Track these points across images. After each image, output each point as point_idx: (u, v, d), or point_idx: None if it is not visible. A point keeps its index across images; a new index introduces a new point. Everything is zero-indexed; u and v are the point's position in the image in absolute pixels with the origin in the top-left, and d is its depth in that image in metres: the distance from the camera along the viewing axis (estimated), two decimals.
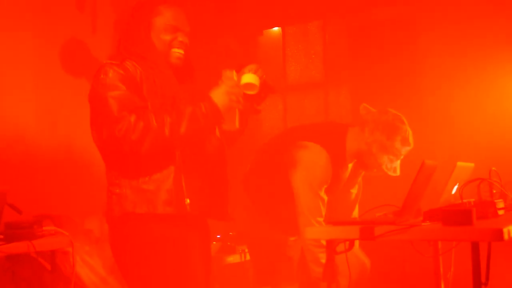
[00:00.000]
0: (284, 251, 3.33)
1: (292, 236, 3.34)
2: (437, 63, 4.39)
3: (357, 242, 3.36)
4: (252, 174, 3.41)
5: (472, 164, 2.97)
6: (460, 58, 4.28)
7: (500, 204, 2.62)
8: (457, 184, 2.82)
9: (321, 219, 3.15)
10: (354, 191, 3.51)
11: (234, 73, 2.44)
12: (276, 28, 5.51)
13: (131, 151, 2.28)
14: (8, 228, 2.72)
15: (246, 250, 4.06)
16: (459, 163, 2.79)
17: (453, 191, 2.82)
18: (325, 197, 3.18)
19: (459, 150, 3.95)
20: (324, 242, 3.03)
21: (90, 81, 2.44)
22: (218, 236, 4.27)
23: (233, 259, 4.15)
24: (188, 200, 2.42)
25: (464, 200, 2.64)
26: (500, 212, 2.59)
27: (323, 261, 3.06)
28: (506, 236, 2.12)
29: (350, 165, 3.38)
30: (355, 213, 3.55)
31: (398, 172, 3.20)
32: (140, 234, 2.41)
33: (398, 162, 3.19)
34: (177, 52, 2.51)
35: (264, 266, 3.41)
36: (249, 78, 2.45)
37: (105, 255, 3.84)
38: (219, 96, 2.37)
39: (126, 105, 2.30)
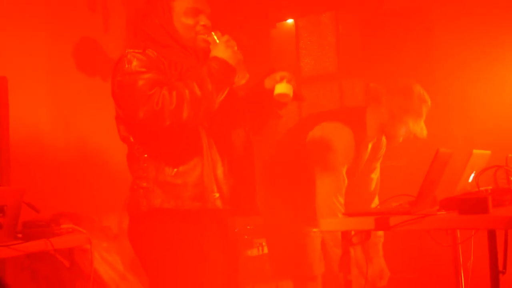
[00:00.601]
0: (306, 243, 3.30)
1: (315, 227, 3.32)
2: (452, 51, 4.36)
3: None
4: (273, 165, 3.41)
5: (488, 152, 2.95)
6: (474, 46, 4.24)
7: None
8: (474, 172, 2.80)
9: (342, 199, 3.14)
10: (374, 176, 3.51)
11: (219, 32, 2.43)
12: (289, 20, 5.49)
13: (173, 121, 2.26)
14: (26, 227, 2.74)
15: (264, 244, 4.06)
16: (475, 151, 2.77)
17: (470, 179, 2.80)
18: (346, 179, 3.18)
19: (475, 138, 3.92)
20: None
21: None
22: (236, 230, 4.28)
23: (250, 253, 4.15)
24: (217, 195, 2.41)
25: (481, 188, 2.62)
26: None
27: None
28: None
29: (369, 146, 3.38)
30: (376, 200, 3.55)
31: (425, 133, 3.22)
32: (167, 229, 2.39)
33: (422, 123, 3.22)
34: (203, 37, 2.47)
35: (284, 259, 3.40)
36: (284, 88, 2.44)
37: (123, 252, 3.87)
38: (221, 51, 2.37)
39: (156, 83, 2.30)
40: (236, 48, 2.39)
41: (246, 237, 4.19)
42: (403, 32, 4.62)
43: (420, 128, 3.20)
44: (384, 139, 3.46)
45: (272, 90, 2.48)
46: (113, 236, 3.81)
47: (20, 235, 2.71)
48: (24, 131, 4.01)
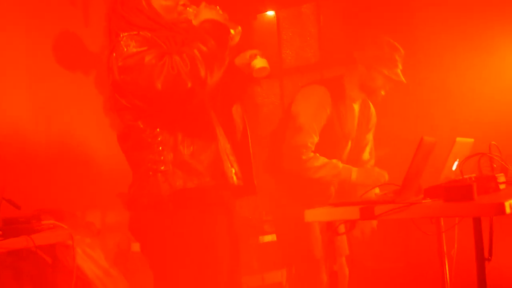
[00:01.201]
0: (306, 228, 3.32)
1: None
2: (434, 39, 4.36)
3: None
4: (272, 155, 3.43)
5: (471, 140, 2.96)
6: (457, 33, 4.25)
7: (501, 178, 2.60)
8: (457, 160, 2.80)
9: (310, 154, 3.24)
10: (368, 148, 3.61)
11: (193, 6, 2.46)
12: (270, 12, 5.47)
13: (194, 82, 2.24)
14: (6, 223, 2.69)
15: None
16: (459, 139, 2.77)
17: (454, 167, 2.80)
18: (315, 136, 3.27)
19: (458, 126, 3.93)
20: (306, 154, 3.22)
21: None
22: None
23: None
24: (233, 170, 2.43)
25: (465, 176, 2.62)
26: (502, 186, 2.56)
27: (319, 163, 3.21)
28: (508, 210, 2.10)
29: (356, 107, 3.44)
30: (369, 150, 3.61)
31: (402, 78, 3.32)
32: (191, 210, 2.36)
33: (399, 70, 3.33)
34: (183, 17, 2.46)
35: (286, 244, 3.43)
36: (261, 62, 2.49)
37: (107, 247, 3.83)
38: (207, 14, 2.37)
39: (163, 54, 2.28)
40: (218, 8, 2.40)
41: None
42: (385, 22, 4.61)
43: (395, 74, 3.30)
44: (372, 108, 3.52)
45: (245, 68, 2.52)
46: (96, 232, 3.77)
47: (0, 232, 2.67)
48: (4, 127, 3.96)
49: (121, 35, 2.34)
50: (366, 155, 3.58)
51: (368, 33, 3.47)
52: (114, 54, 2.33)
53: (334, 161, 3.25)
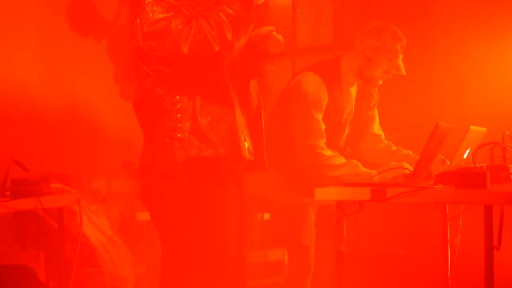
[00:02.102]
0: (297, 214, 3.30)
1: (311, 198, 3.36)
2: (449, 26, 4.32)
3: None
4: (269, 135, 3.42)
5: (484, 129, 2.94)
6: (472, 21, 4.21)
7: None
8: (469, 148, 2.79)
9: (320, 143, 3.18)
10: (373, 113, 3.55)
11: None
12: None
13: (221, 45, 2.25)
14: (15, 185, 2.69)
15: None
16: (472, 127, 2.76)
17: (465, 156, 2.79)
18: (322, 124, 3.21)
19: (471, 115, 3.91)
20: (327, 152, 3.16)
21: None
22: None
23: None
24: (246, 144, 2.43)
25: (477, 165, 2.60)
26: None
27: (341, 161, 3.15)
28: None
29: (353, 91, 3.39)
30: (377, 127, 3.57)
31: (403, 70, 3.24)
32: (204, 178, 2.37)
33: (399, 61, 3.24)
34: None
35: (282, 228, 3.41)
36: (280, 38, 2.52)
37: (110, 215, 3.85)
38: None
39: (189, 19, 2.29)
40: None
41: None
42: (400, 5, 4.58)
43: (396, 66, 3.22)
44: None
45: (260, 43, 2.53)
46: (101, 199, 3.78)
47: (8, 193, 2.67)
48: (15, 90, 3.96)
49: (146, 1, 2.33)
50: (376, 129, 3.54)
51: (370, 20, 3.34)
52: (138, 20, 2.32)
53: (354, 161, 3.21)
